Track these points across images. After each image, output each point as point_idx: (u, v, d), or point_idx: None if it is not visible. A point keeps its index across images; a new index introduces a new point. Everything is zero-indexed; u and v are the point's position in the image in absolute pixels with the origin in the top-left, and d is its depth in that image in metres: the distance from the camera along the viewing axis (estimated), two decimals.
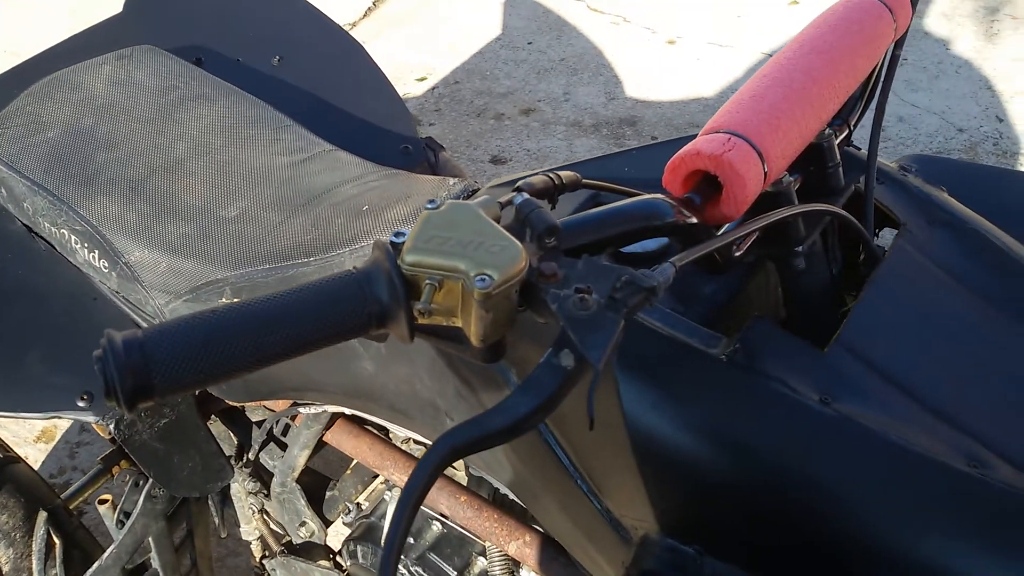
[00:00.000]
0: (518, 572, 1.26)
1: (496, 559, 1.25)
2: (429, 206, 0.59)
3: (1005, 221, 1.01)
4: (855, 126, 0.92)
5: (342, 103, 1.68)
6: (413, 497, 0.53)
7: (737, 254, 0.77)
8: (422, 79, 3.43)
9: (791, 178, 0.84)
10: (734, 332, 0.82)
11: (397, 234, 0.58)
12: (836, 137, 0.89)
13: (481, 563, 1.31)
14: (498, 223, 0.59)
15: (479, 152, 3.08)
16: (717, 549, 0.79)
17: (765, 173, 0.70)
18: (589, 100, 3.24)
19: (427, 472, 0.53)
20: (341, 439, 1.36)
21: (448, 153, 1.82)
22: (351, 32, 3.79)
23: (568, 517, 0.94)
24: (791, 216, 0.78)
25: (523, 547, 1.16)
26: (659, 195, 0.69)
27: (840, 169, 0.86)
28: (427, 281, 0.55)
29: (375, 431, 1.37)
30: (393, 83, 1.78)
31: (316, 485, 1.53)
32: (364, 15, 3.91)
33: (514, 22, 3.72)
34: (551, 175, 0.68)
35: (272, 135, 1.41)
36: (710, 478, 0.78)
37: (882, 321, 0.84)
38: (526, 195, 0.62)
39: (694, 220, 0.69)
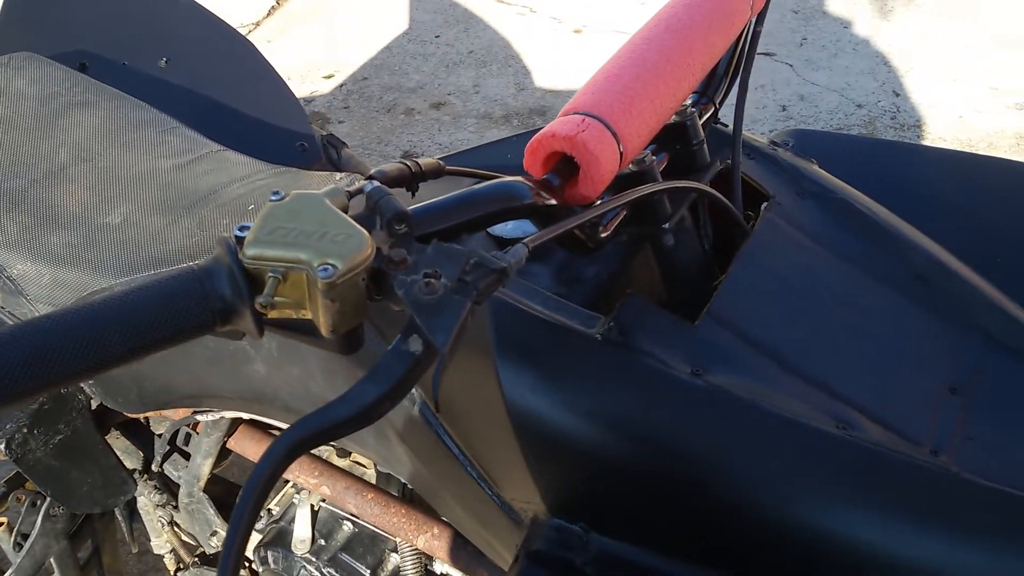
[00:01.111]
0: (431, 565, 1.26)
1: (407, 554, 1.24)
2: (273, 198, 0.58)
3: (876, 189, 1.05)
4: (721, 104, 0.94)
5: (233, 102, 1.65)
6: (255, 493, 0.52)
7: (604, 235, 0.78)
8: (329, 76, 3.39)
9: (656, 157, 0.85)
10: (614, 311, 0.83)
11: (241, 228, 0.57)
12: (702, 115, 0.91)
13: (394, 559, 1.31)
14: (346, 212, 0.59)
15: (390, 148, 3.06)
16: (602, 525, 0.80)
17: (621, 153, 0.71)
18: (499, 92, 3.25)
19: (270, 466, 0.52)
20: (244, 445, 1.34)
21: (351, 149, 1.81)
22: (255, 32, 3.73)
23: (463, 505, 0.94)
24: (654, 194, 0.79)
25: (432, 540, 1.16)
26: (518, 178, 0.69)
27: (705, 146, 0.87)
28: (270, 274, 0.55)
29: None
30: (300, 81, 1.76)
31: (226, 493, 1.50)
32: (268, 14, 3.84)
33: (421, 16, 3.71)
34: (408, 162, 0.68)
35: (157, 138, 1.38)
36: (590, 456, 0.79)
37: (752, 292, 0.86)
38: (376, 183, 0.61)
39: (553, 201, 0.70)
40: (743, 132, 1.02)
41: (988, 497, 0.77)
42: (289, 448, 0.53)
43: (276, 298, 0.55)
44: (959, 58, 3.23)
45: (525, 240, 0.62)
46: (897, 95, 3.11)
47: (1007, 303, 0.93)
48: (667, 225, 0.83)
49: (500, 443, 0.82)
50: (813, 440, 0.77)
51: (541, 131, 0.71)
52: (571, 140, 0.69)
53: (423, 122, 3.15)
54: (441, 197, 0.65)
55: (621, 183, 0.80)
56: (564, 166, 0.70)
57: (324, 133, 1.81)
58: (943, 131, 2.94)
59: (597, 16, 3.49)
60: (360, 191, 0.61)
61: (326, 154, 1.73)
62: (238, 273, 0.55)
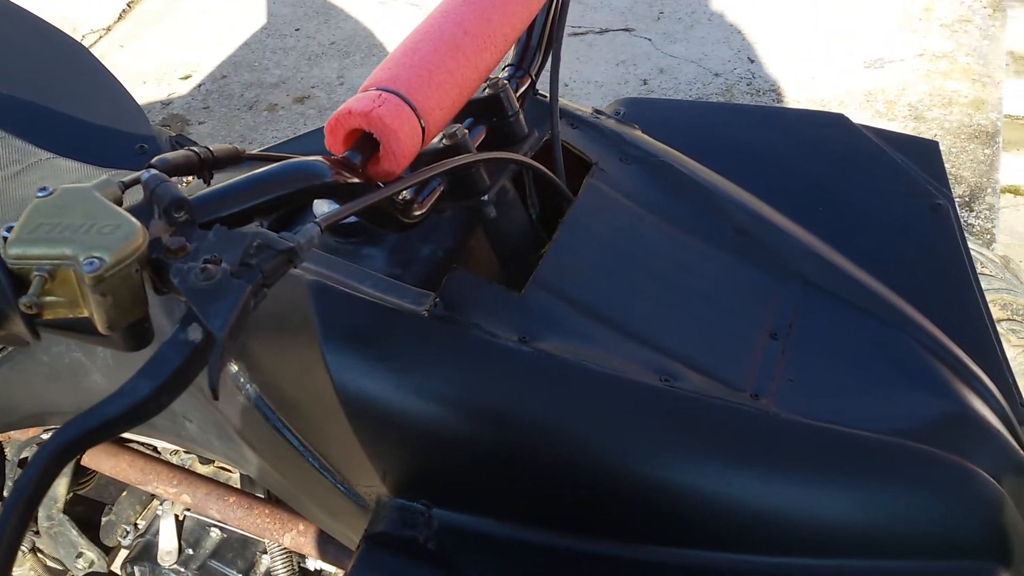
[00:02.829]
0: (304, 562, 1.25)
1: (277, 554, 1.22)
2: (40, 194, 0.55)
3: (701, 150, 1.08)
4: (538, 75, 0.94)
5: (65, 108, 1.58)
6: (22, 501, 0.50)
7: (420, 211, 0.78)
8: (187, 77, 3.28)
9: (472, 131, 0.85)
10: None
11: (8, 228, 0.54)
12: (519, 88, 0.92)
13: (266, 561, 1.28)
14: (120, 204, 0.57)
15: (255, 146, 2.98)
16: (444, 500, 0.81)
17: (423, 127, 0.71)
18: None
19: (37, 472, 0.50)
20: (99, 461, 1.29)
21: None
22: (107, 37, 3.58)
23: (311, 498, 0.93)
24: (469, 167, 0.80)
25: (298, 537, 1.14)
26: (316, 157, 0.68)
27: (521, 117, 0.88)
28: (36, 273, 0.52)
29: (140, 447, 1.31)
30: (156, 84, 1.69)
31: (91, 512, 1.45)
32: (119, 17, 3.69)
33: (279, 9, 3.62)
34: (196, 149, 0.66)
35: None
36: (425, 433, 0.79)
37: (576, 257, 0.87)
38: (154, 171, 0.60)
39: (356, 180, 0.69)
40: (566, 103, 1.04)
41: (806, 434, 0.80)
42: (55, 453, 0.50)
43: (47, 298, 0.53)
44: (811, 22, 3.35)
45: (318, 219, 0.61)
46: (752, 62, 3.20)
47: (824, 248, 0.98)
48: (486, 197, 0.83)
49: (335, 430, 0.81)
50: (637, 394, 0.79)
51: (338, 109, 0.70)
52: (367, 116, 0.68)
53: (287, 117, 3.09)
54: (229, 181, 0.63)
55: (434, 158, 0.80)
56: (364, 143, 0.69)
57: (172, 135, 1.75)
58: (797, 93, 3.04)
59: None
60: (137, 181, 0.59)
61: None
62: (1, 275, 0.52)
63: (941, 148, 2.83)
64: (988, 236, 2.60)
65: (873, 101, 2.99)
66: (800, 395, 0.83)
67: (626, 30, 3.37)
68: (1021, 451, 0.90)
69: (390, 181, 0.71)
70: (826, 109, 2.95)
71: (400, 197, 0.78)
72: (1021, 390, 1.01)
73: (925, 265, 1.03)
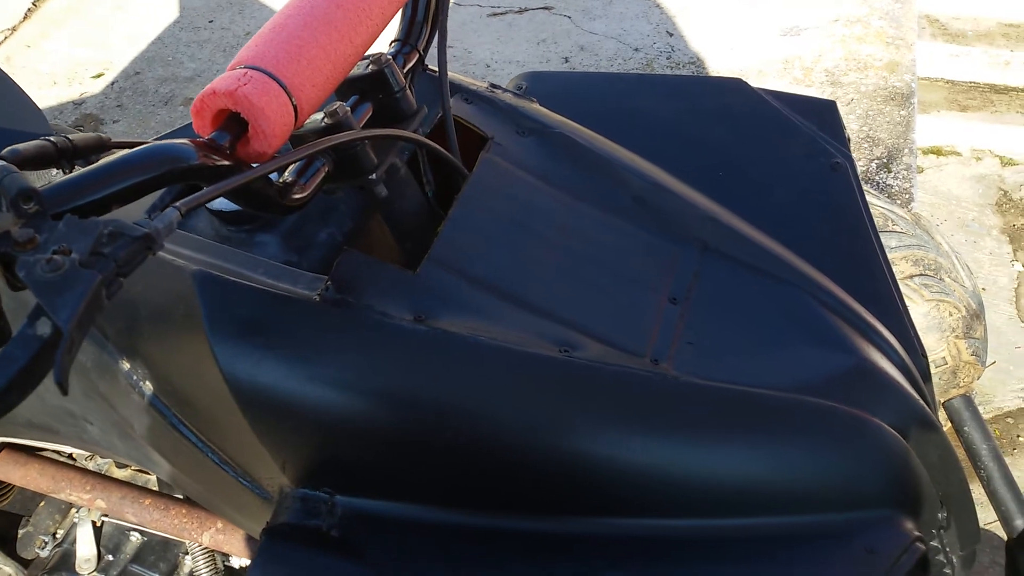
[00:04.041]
0: (228, 560, 1.22)
1: (198, 554, 1.20)
2: None
3: (601, 121, 1.07)
4: (426, 50, 0.93)
5: None
6: None
7: (301, 194, 0.75)
8: (99, 75, 3.19)
9: (359, 109, 0.83)
10: None
11: None
12: (405, 63, 0.90)
13: (188, 562, 1.26)
14: None
15: None
16: (348, 487, 0.79)
17: (295, 105, 0.69)
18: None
19: None
20: (8, 471, 1.25)
21: None
22: (12, 37, 3.45)
23: (215, 493, 0.91)
24: (354, 145, 0.78)
25: (217, 535, 1.12)
26: (181, 140, 0.66)
27: (409, 92, 0.86)
28: None
29: (54, 455, 1.28)
30: (67, 84, 1.63)
31: (8, 526, 1.41)
32: (24, 17, 3.57)
33: (191, 3, 3.54)
34: (53, 139, 0.63)
35: None
36: (323, 420, 0.77)
37: (473, 233, 0.86)
38: (2, 162, 0.57)
39: (225, 162, 0.66)
40: (461, 77, 1.02)
41: (706, 395, 0.81)
42: None
43: None
44: None
45: (178, 203, 0.59)
46: (671, 35, 3.22)
47: (723, 213, 0.98)
48: (374, 176, 0.81)
49: (231, 423, 0.79)
50: (536, 366, 0.78)
51: (203, 89, 0.68)
52: (232, 95, 0.66)
53: None
54: (86, 168, 0.61)
55: (315, 138, 0.77)
56: (232, 124, 0.67)
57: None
58: (716, 64, 3.07)
59: None
60: None
61: None
62: None
63: (857, 111, 2.88)
64: (907, 196, 2.66)
65: (791, 68, 3.03)
66: (700, 357, 0.84)
67: (545, 8, 3.36)
68: (923, 403, 0.92)
69: (263, 162, 0.68)
70: (745, 78, 2.98)
71: (281, 180, 0.76)
72: (924, 343, 1.03)
73: (825, 224, 1.04)
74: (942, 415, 1.53)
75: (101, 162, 0.61)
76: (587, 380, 0.78)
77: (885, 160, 2.73)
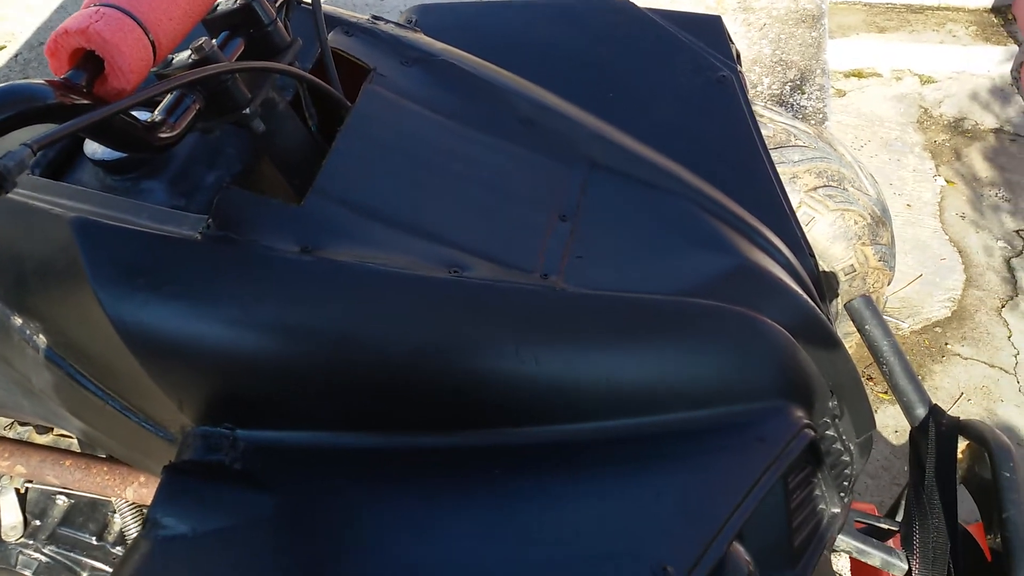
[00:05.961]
0: None
1: (126, 510, 1.20)
2: None
3: (489, 48, 1.08)
4: None
5: None
6: None
7: (171, 133, 0.75)
8: (1, 48, 3.08)
9: (230, 44, 0.83)
10: None
11: None
12: None
13: (118, 520, 1.26)
14: None
15: None
16: (248, 420, 0.80)
17: (152, 40, 0.68)
18: None
19: None
20: None
21: None
22: None
23: (121, 442, 0.91)
24: (207, 77, 0.76)
25: (139, 488, 1.12)
26: (36, 80, 0.65)
27: (280, 25, 0.86)
28: None
29: None
30: None
31: None
32: None
33: None
34: None
35: None
36: (216, 356, 0.78)
37: (358, 163, 0.87)
38: None
39: (83, 101, 0.66)
40: (340, 11, 1.01)
41: (595, 304, 0.83)
42: None
43: None
44: None
45: (31, 141, 0.59)
46: None
47: (610, 131, 1.00)
48: (248, 110, 0.81)
49: (125, 367, 0.79)
50: (427, 289, 0.79)
51: (56, 29, 0.67)
52: (84, 32, 0.65)
53: None
54: None
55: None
56: (87, 62, 0.66)
57: None
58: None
59: None
60: None
61: None
62: None
63: (769, 36, 2.90)
64: (820, 116, 2.70)
65: None
66: (590, 269, 0.86)
67: None
68: (808, 300, 0.95)
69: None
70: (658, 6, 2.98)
71: (151, 119, 0.75)
72: (811, 245, 1.07)
73: (712, 136, 1.06)
74: (846, 316, 1.58)
75: None
76: (477, 298, 0.80)
77: (798, 82, 2.77)
